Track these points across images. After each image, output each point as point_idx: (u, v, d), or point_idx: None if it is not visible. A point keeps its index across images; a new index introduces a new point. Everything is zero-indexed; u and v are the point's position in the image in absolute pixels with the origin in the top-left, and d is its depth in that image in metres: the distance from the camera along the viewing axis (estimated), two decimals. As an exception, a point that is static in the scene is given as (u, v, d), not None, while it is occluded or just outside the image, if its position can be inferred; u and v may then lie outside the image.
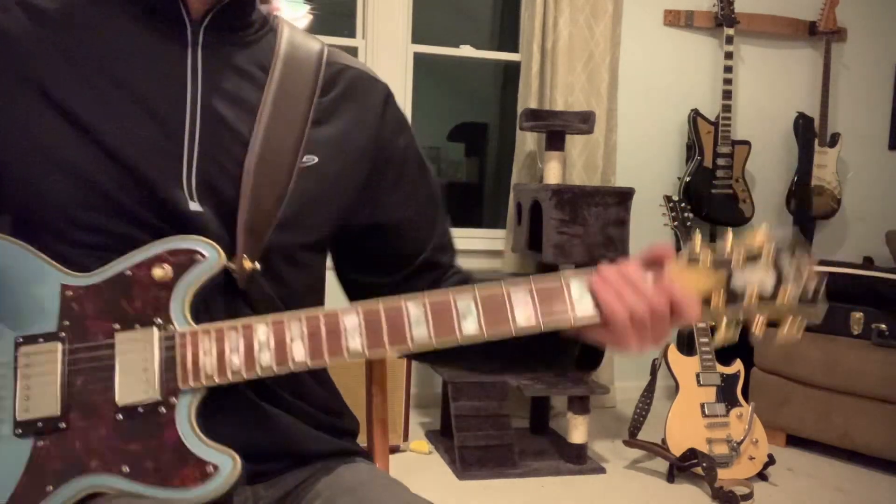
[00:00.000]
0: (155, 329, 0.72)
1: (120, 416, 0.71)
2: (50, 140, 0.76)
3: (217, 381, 0.72)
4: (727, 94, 3.33)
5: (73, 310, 0.73)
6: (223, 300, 0.79)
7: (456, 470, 2.54)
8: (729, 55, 3.32)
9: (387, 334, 0.73)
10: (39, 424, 0.71)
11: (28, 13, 0.80)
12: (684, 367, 2.63)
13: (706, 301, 0.75)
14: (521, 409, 3.01)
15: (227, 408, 0.78)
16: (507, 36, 3.61)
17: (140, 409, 0.71)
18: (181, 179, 0.78)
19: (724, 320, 0.76)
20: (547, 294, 0.74)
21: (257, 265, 0.78)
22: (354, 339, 0.72)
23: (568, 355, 0.82)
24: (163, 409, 0.71)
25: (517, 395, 2.75)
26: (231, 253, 0.78)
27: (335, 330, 0.73)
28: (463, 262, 0.99)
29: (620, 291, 0.73)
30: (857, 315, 2.79)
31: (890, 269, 2.79)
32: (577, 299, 0.74)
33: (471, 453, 2.56)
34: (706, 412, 2.56)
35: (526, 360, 0.88)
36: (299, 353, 0.72)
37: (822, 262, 2.95)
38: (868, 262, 3.49)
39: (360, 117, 0.90)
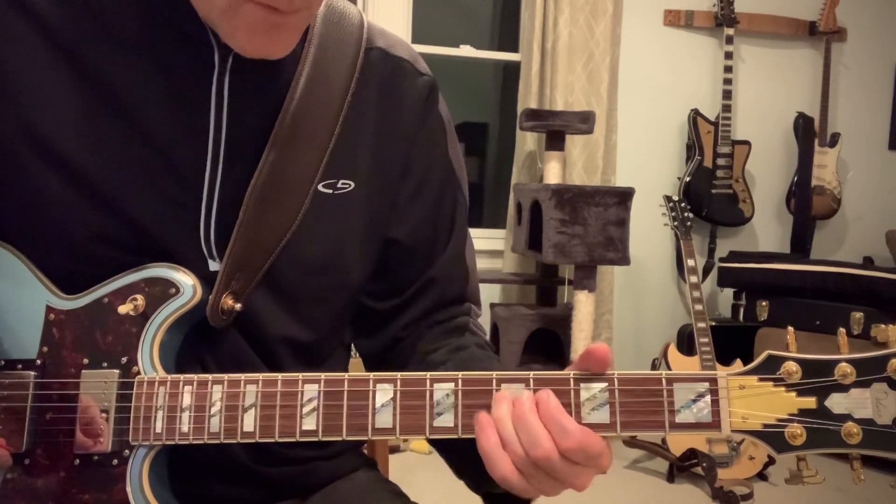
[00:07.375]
0: (117, 371, 0.66)
1: (77, 462, 0.66)
2: (47, 197, 0.67)
3: (167, 442, 0.65)
4: (727, 94, 3.33)
5: (54, 336, 0.67)
6: (219, 344, 0.71)
7: (456, 470, 2.53)
8: (729, 55, 3.32)
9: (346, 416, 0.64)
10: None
11: (25, 18, 0.65)
12: (684, 366, 2.63)
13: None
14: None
15: (208, 462, 0.71)
16: (507, 36, 3.61)
17: (95, 458, 0.65)
18: (199, 241, 0.69)
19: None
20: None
21: (238, 306, 0.69)
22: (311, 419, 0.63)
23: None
24: (115, 462, 0.65)
25: (517, 395, 2.74)
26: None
27: (292, 403, 0.63)
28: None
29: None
30: (857, 315, 2.79)
31: (890, 269, 2.78)
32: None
33: (471, 453, 2.55)
34: (706, 412, 2.56)
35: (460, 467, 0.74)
36: (249, 424, 0.64)
37: (822, 262, 2.95)
38: (868, 262, 3.49)
39: (396, 123, 0.78)
